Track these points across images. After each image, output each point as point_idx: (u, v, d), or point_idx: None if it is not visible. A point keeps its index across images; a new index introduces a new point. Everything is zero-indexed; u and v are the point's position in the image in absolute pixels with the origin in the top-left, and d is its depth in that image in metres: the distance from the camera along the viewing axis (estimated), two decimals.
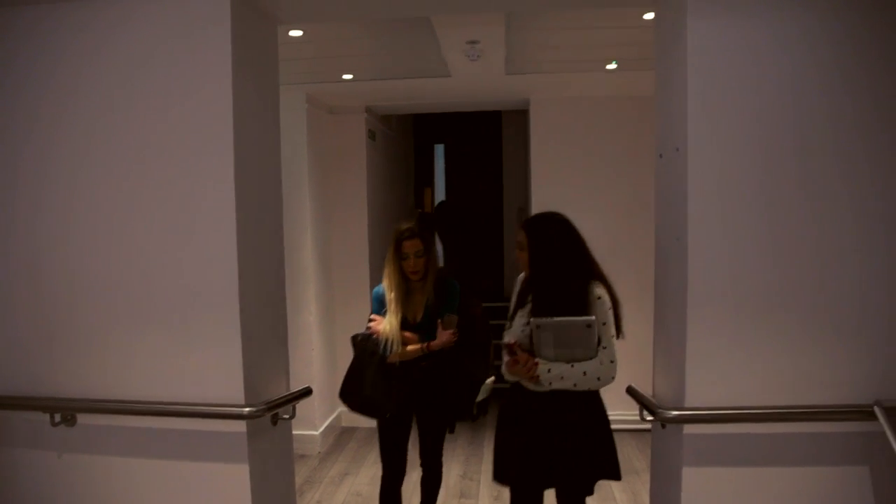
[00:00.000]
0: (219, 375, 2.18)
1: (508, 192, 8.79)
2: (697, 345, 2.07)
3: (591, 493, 2.38)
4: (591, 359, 2.24)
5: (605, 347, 2.25)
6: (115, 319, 2.26)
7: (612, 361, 2.25)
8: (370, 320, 2.80)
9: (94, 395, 2.26)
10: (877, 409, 1.98)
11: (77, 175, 2.26)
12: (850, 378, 2.05)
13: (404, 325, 2.76)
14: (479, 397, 2.77)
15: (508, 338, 2.37)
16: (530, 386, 2.31)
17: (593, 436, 2.33)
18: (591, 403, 2.34)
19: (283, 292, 2.55)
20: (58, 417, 2.27)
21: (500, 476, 2.45)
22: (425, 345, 2.73)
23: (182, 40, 2.17)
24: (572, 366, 2.23)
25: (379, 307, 2.81)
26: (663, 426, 2.17)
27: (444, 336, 2.71)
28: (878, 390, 2.02)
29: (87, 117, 2.24)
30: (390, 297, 2.76)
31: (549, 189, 4.80)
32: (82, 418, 2.29)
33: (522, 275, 2.46)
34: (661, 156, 2.30)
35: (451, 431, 2.96)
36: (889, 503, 2.05)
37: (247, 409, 2.14)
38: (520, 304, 2.41)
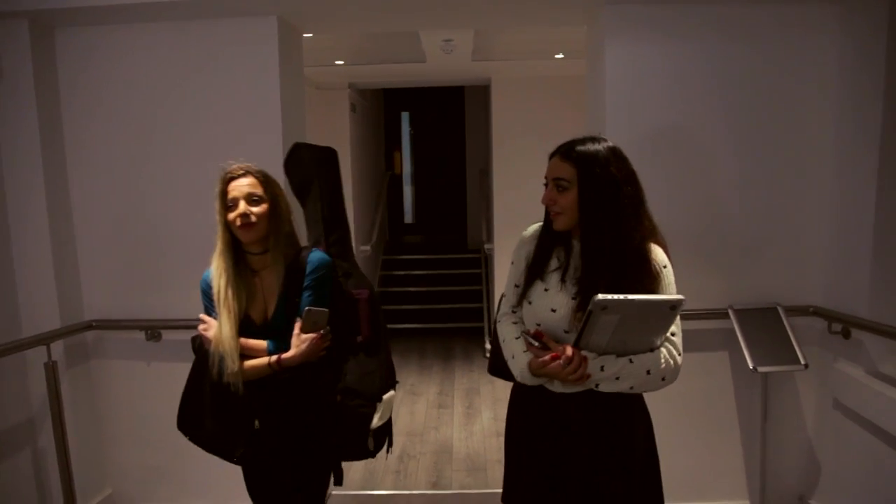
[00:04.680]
0: None
1: (471, 154, 9.54)
2: None
3: None
4: (650, 350, 1.58)
5: (673, 335, 1.60)
6: (190, 257, 2.89)
7: (679, 354, 1.60)
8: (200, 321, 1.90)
9: (175, 316, 2.97)
10: (730, 311, 2.82)
11: (164, 151, 2.94)
12: (714, 289, 2.87)
13: (248, 327, 1.84)
14: (376, 423, 1.88)
15: (531, 324, 1.69)
16: (557, 387, 1.64)
17: (640, 451, 1.71)
18: (634, 404, 1.71)
19: None
20: (149, 334, 3.03)
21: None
22: (274, 359, 1.80)
23: (241, 49, 2.86)
24: (631, 360, 1.56)
25: (210, 302, 1.88)
26: None
27: (304, 343, 1.79)
28: (731, 298, 2.87)
29: (170, 109, 2.92)
30: (218, 284, 1.81)
31: (509, 152, 5.48)
32: (166, 334, 3.02)
33: (532, 230, 1.77)
34: None
35: (339, 483, 2.00)
36: (740, 376, 2.93)
37: None
38: (536, 274, 1.70)
